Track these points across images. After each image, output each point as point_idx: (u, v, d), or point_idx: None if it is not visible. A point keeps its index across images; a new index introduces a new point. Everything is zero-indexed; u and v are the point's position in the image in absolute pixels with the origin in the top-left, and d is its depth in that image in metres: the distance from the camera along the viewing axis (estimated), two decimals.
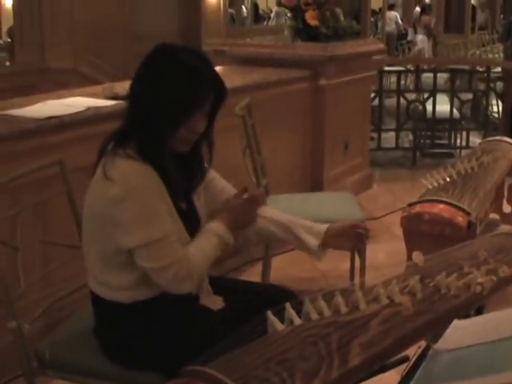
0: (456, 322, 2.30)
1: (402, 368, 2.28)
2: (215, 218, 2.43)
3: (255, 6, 18.98)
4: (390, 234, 5.36)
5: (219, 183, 2.61)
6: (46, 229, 3.43)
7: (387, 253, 4.90)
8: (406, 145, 8.15)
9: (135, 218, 2.21)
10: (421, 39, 16.27)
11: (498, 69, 8.31)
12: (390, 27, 18.66)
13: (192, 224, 2.44)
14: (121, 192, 2.19)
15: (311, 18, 5.64)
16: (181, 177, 2.39)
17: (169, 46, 2.35)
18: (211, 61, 2.34)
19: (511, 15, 15.10)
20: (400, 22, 19.26)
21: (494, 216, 5.08)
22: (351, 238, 2.64)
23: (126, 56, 8.54)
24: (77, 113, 3.56)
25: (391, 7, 19.69)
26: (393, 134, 8.02)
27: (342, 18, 5.82)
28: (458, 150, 8.00)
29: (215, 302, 2.49)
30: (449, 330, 2.25)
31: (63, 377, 2.57)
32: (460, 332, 2.23)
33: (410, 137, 8.33)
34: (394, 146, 7.91)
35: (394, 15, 19.16)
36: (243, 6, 17.86)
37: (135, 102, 2.30)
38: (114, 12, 8.41)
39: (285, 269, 4.54)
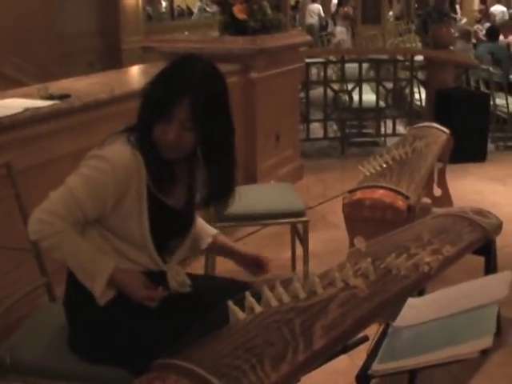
0: (410, 300, 2.40)
1: (354, 352, 2.36)
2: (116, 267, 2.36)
3: (170, 2, 18.86)
4: (326, 223, 5.45)
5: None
6: None
7: (325, 241, 4.96)
8: (332, 135, 8.26)
9: (85, 171, 2.31)
10: (339, 31, 16.49)
11: (419, 58, 8.50)
12: (313, 19, 18.88)
13: (178, 221, 2.49)
14: (97, 153, 2.32)
15: (239, 11, 5.67)
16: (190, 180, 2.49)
17: (185, 56, 2.44)
18: (210, 74, 2.37)
19: (426, 6, 15.40)
20: (322, 14, 19.48)
21: (426, 200, 5.22)
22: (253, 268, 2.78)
23: (49, 56, 8.45)
24: (15, 114, 3.50)
25: (314, 0, 19.91)
26: (317, 125, 8.12)
27: (269, 11, 5.87)
28: (383, 139, 8.14)
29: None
30: (405, 309, 2.34)
31: (26, 381, 2.48)
32: (415, 309, 2.33)
33: (335, 127, 8.45)
34: (321, 136, 8.00)
35: (317, 8, 19.37)
36: (163, 2, 17.77)
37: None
38: (35, 12, 8.26)
39: (227, 261, 4.56)
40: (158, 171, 2.36)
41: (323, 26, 18.72)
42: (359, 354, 2.49)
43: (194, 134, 2.31)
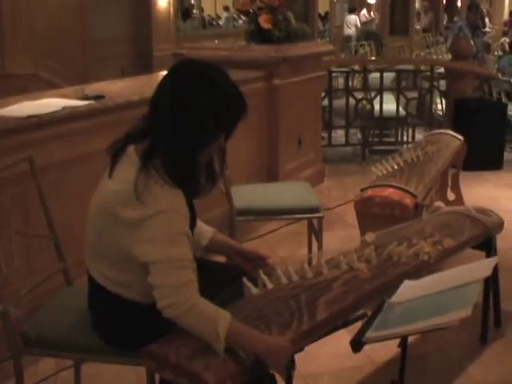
0: (406, 282, 2.65)
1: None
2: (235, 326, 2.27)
3: (201, 12, 19.20)
4: (343, 223, 5.71)
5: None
6: (28, 220, 3.65)
7: (341, 239, 5.22)
8: (356, 142, 8.51)
9: (158, 235, 2.27)
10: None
11: (442, 69, 8.74)
12: (350, 30, 19.18)
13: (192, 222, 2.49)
14: (149, 213, 2.26)
15: (264, 21, 5.95)
16: None
17: (196, 65, 2.40)
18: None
19: (456, 19, 15.57)
20: (359, 25, 19.75)
21: (439, 203, 5.45)
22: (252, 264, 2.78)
23: (84, 61, 8.81)
24: (54, 112, 3.81)
25: (352, 10, 20.20)
26: (341, 133, 8.38)
27: (293, 21, 6.14)
28: (405, 146, 8.35)
29: None
30: (400, 288, 2.60)
31: (49, 354, 2.78)
32: (410, 289, 2.58)
33: (359, 135, 8.69)
34: (343, 143, 8.26)
35: (354, 19, 19.66)
36: (194, 11, 18.13)
37: (167, 120, 2.30)
38: (71, 19, 8.63)
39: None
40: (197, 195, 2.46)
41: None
42: None
43: None
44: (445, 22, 23.01)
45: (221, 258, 3.09)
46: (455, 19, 14.33)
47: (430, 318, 2.29)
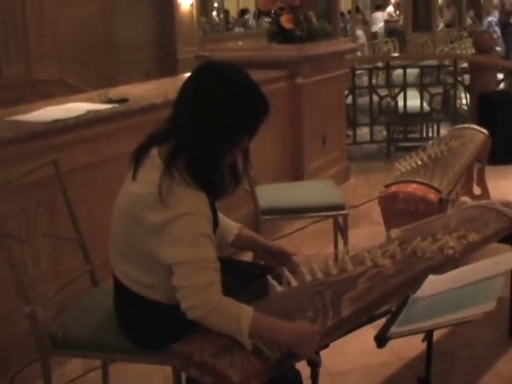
0: (431, 277, 2.66)
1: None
2: (260, 320, 2.28)
3: (226, 13, 19.26)
4: (369, 220, 5.71)
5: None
6: (55, 223, 3.69)
7: (367, 236, 5.19)
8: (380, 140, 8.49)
9: (182, 237, 2.27)
10: (360, 34, 16.96)
11: (465, 63, 8.69)
12: (377, 27, 19.18)
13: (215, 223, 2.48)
14: (173, 216, 2.26)
15: (286, 21, 5.97)
16: None
17: (218, 67, 2.41)
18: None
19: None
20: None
21: (465, 199, 5.43)
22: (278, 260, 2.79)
23: (108, 66, 8.89)
24: (79, 116, 3.86)
25: (378, 8, 20.20)
26: (367, 131, 8.37)
27: (314, 20, 6.16)
28: (430, 142, 8.30)
29: None
30: (425, 284, 2.60)
31: (76, 354, 2.83)
32: (434, 284, 2.58)
33: (384, 132, 8.67)
34: (368, 140, 8.24)
35: (381, 15, 19.64)
36: (214, 13, 18.17)
37: (190, 123, 2.30)
38: (95, 24, 8.73)
39: None
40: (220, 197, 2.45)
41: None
42: None
43: None
44: (469, 18, 22.84)
45: (248, 255, 3.10)
46: (487, 17, 14.16)
47: (455, 312, 2.29)
